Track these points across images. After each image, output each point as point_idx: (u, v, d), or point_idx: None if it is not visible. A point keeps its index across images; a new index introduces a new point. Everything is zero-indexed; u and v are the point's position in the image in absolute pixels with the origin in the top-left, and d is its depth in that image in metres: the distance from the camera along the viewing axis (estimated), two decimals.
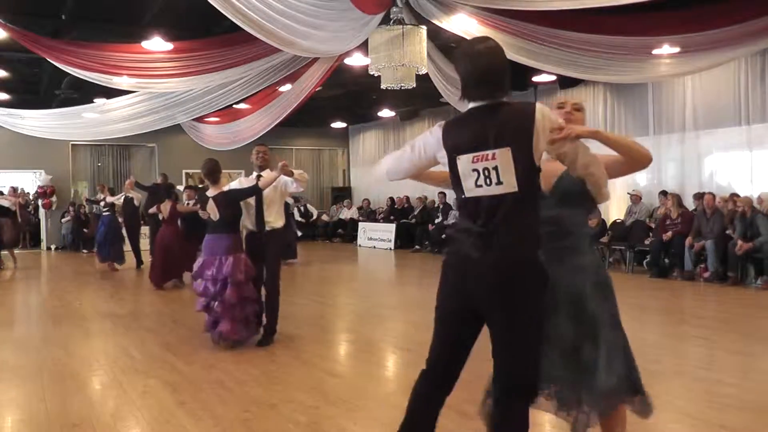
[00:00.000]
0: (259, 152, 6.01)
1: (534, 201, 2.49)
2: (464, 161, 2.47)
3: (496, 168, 2.40)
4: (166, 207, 10.04)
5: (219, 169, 5.99)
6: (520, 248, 2.43)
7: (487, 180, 2.42)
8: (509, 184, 2.39)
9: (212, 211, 5.84)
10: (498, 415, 2.56)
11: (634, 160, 2.63)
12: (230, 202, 5.84)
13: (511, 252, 2.42)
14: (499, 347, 2.52)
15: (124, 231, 12.81)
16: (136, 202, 12.31)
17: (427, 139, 2.63)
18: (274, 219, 5.93)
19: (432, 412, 2.64)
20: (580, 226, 2.75)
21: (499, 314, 2.46)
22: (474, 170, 2.45)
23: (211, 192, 5.94)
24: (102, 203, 12.56)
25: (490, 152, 2.40)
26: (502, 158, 2.39)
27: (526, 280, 2.44)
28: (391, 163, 2.82)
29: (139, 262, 12.63)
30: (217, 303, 5.71)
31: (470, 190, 2.48)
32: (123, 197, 12.34)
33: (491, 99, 2.47)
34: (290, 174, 5.67)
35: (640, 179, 12.06)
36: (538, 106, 2.44)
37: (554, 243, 2.63)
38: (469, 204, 2.50)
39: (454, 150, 2.50)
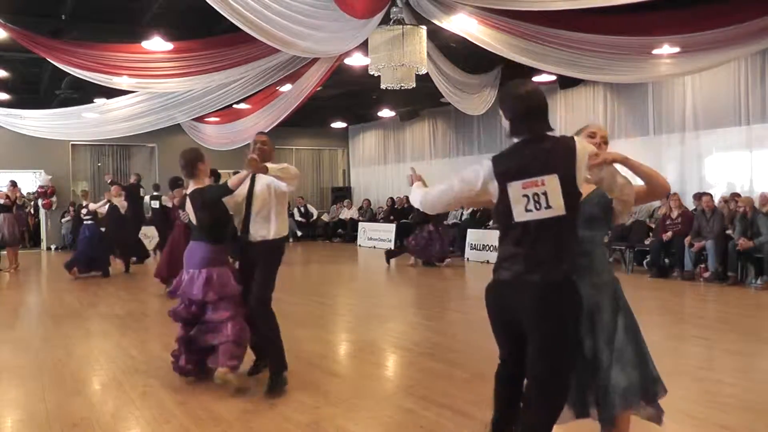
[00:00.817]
0: (256, 143, 4.68)
1: (576, 224, 2.73)
2: (515, 188, 2.67)
3: (545, 193, 2.62)
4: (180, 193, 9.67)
5: (199, 159, 4.78)
6: (561, 269, 2.63)
7: (537, 205, 2.63)
8: (558, 207, 2.62)
9: (190, 213, 4.74)
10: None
11: (654, 189, 2.96)
12: (205, 202, 4.63)
13: (554, 273, 2.62)
14: (531, 367, 2.69)
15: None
16: (121, 210, 11.77)
17: (477, 171, 2.80)
18: (261, 226, 4.61)
19: (515, 387, 2.89)
20: (597, 247, 2.95)
21: (537, 334, 2.64)
22: (524, 196, 2.65)
23: (189, 189, 4.82)
24: (84, 211, 11.91)
25: (539, 179, 2.63)
26: (551, 184, 2.62)
27: (564, 302, 2.64)
28: (434, 196, 2.99)
29: (138, 258, 12.55)
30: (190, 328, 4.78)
31: (520, 215, 2.67)
32: (107, 205, 11.73)
33: (536, 133, 2.73)
34: (263, 171, 4.35)
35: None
36: (577, 138, 2.77)
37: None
38: (517, 229, 2.69)
39: (504, 178, 2.70)
